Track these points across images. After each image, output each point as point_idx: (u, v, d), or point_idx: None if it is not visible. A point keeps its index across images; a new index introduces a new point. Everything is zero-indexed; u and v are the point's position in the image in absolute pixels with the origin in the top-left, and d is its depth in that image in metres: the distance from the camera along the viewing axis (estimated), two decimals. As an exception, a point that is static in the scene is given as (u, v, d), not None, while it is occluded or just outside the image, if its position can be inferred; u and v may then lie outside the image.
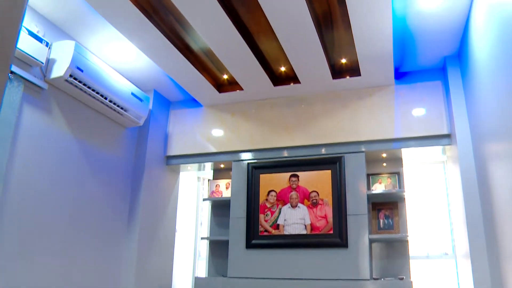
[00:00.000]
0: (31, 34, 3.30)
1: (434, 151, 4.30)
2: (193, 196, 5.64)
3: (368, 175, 4.40)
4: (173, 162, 4.89)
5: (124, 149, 4.49)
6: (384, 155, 4.34)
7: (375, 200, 4.35)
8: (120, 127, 4.43)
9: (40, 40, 3.38)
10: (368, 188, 4.34)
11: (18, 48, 3.19)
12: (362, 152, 4.21)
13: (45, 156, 3.52)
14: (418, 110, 4.11)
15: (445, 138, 4.02)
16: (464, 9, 3.35)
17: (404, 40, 3.80)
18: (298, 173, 4.34)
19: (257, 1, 3.07)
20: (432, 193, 4.65)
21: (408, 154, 4.35)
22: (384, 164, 4.46)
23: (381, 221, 4.27)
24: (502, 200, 2.85)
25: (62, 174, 3.67)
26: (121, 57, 4.18)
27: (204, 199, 4.91)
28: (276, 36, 3.46)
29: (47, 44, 3.46)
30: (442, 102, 4.07)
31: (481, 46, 3.09)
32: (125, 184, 4.44)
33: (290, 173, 4.37)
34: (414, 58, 4.10)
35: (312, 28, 3.32)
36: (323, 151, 4.34)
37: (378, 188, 4.35)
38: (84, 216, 3.86)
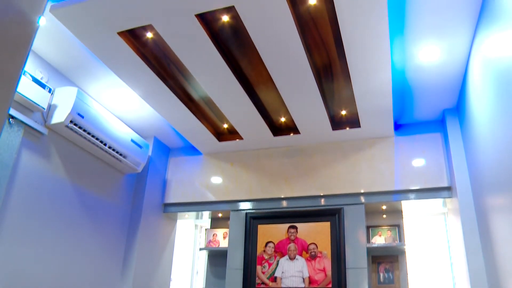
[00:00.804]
0: (35, 80, 3.35)
1: (435, 203, 4.24)
2: (190, 244, 5.54)
3: (368, 227, 4.33)
4: (170, 209, 4.83)
5: (122, 195, 4.44)
6: (384, 207, 4.28)
7: (375, 253, 4.26)
8: (118, 173, 4.41)
9: (43, 86, 3.43)
10: (368, 240, 4.26)
11: (21, 94, 3.23)
12: (362, 204, 4.16)
13: (41, 200, 3.47)
14: (418, 162, 4.09)
15: (446, 190, 3.98)
16: (462, 62, 3.41)
17: (403, 93, 3.84)
18: (296, 224, 4.28)
19: (258, 53, 3.13)
20: (433, 246, 4.56)
21: (408, 206, 4.29)
22: (384, 216, 4.40)
23: (381, 275, 4.17)
24: (505, 254, 2.79)
25: (57, 219, 3.61)
26: (123, 104, 4.22)
27: (200, 249, 4.82)
28: (276, 87, 3.50)
29: (49, 90, 3.50)
30: (442, 154, 4.06)
31: (479, 99, 3.12)
32: (121, 231, 4.36)
33: (288, 225, 4.30)
34: (413, 111, 4.13)
35: (312, 80, 3.36)
36: (323, 202, 4.29)
37: (378, 240, 4.27)
38: (78, 262, 3.76)
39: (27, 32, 1.16)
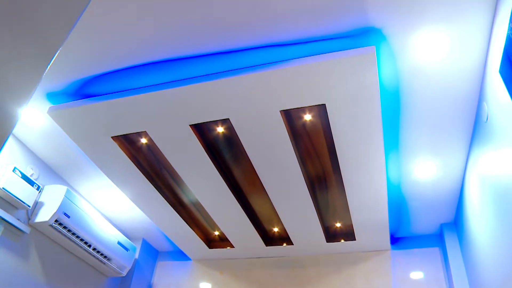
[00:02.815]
0: (24, 177, 3.29)
1: (436, 324, 3.98)
2: None
3: None
4: (153, 318, 4.52)
5: (102, 300, 4.18)
6: (381, 326, 4.01)
7: None
8: (101, 276, 4.18)
9: (32, 183, 3.36)
10: None
11: (6, 191, 3.16)
12: (358, 322, 3.89)
13: (13, 307, 3.24)
14: (416, 278, 3.90)
15: (447, 310, 3.76)
16: (458, 178, 3.38)
17: (399, 207, 3.77)
18: None
19: (251, 164, 3.11)
20: None
21: (408, 326, 4.02)
22: (382, 336, 4.11)
23: None
24: None
25: (27, 329, 3.34)
26: (113, 205, 4.14)
27: None
28: (269, 196, 3.44)
29: (38, 188, 3.43)
30: (441, 270, 3.90)
31: (477, 215, 3.06)
32: None
33: None
34: (410, 224, 4.03)
35: (306, 191, 3.30)
36: (315, 318, 4.02)
37: None
38: None
39: (7, 124, 1.13)
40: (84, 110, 2.81)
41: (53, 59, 1.12)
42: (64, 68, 2.68)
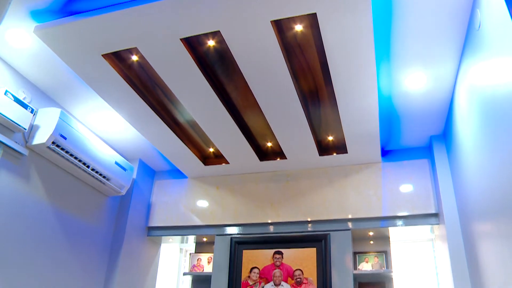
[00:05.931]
0: (16, 100, 3.28)
1: (422, 230, 4.21)
2: (174, 268, 5.41)
3: (355, 253, 4.28)
4: (154, 233, 4.73)
5: (104, 218, 4.34)
6: (371, 233, 4.24)
7: (362, 279, 4.19)
8: (101, 195, 4.32)
9: (25, 106, 3.36)
10: (355, 267, 4.19)
11: (1, 114, 3.15)
12: (349, 230, 4.10)
13: (19, 223, 3.36)
14: (405, 189, 4.06)
15: (433, 217, 3.95)
16: (448, 89, 3.41)
17: (390, 119, 3.83)
18: (282, 250, 4.20)
19: (244, 78, 3.11)
20: (421, 272, 4.49)
21: (396, 232, 4.25)
22: (371, 242, 4.35)
23: (368, 302, 4.09)
24: (492, 280, 2.74)
25: (36, 242, 3.50)
26: (108, 126, 4.16)
27: (184, 274, 4.71)
28: (262, 112, 3.48)
29: (32, 111, 3.43)
30: (429, 180, 4.04)
31: (465, 126, 3.12)
32: (102, 255, 4.25)
33: (274, 250, 4.22)
34: (400, 137, 4.12)
35: (299, 105, 3.34)
36: (309, 228, 4.22)
37: (365, 267, 4.20)
38: (57, 287, 3.65)
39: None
40: (72, 27, 2.75)
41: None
42: (47, -17, 2.59)
